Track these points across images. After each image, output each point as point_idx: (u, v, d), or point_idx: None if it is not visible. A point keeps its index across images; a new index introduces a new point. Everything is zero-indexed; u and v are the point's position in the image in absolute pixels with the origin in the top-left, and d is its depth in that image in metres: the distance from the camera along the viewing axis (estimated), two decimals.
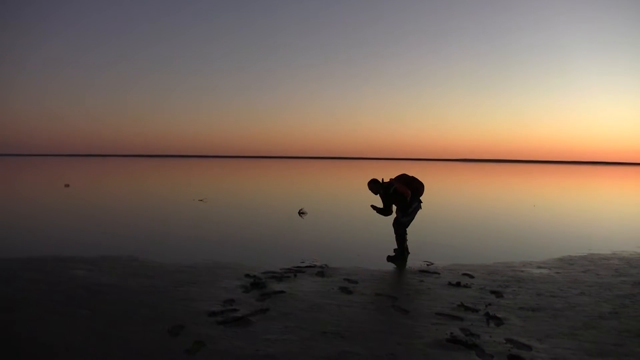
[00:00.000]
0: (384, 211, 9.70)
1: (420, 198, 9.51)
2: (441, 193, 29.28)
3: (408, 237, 9.61)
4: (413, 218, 9.50)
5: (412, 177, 9.59)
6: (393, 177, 9.60)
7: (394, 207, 9.66)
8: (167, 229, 13.71)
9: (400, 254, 9.48)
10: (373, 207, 9.82)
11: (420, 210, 9.55)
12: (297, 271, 8.57)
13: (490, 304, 6.69)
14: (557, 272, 8.75)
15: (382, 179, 9.65)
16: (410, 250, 9.69)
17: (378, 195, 9.69)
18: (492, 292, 7.34)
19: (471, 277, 8.30)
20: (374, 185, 9.63)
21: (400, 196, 9.28)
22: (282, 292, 7.20)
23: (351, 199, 24.37)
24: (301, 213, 17.01)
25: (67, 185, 30.47)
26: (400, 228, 9.45)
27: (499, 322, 5.96)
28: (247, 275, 8.16)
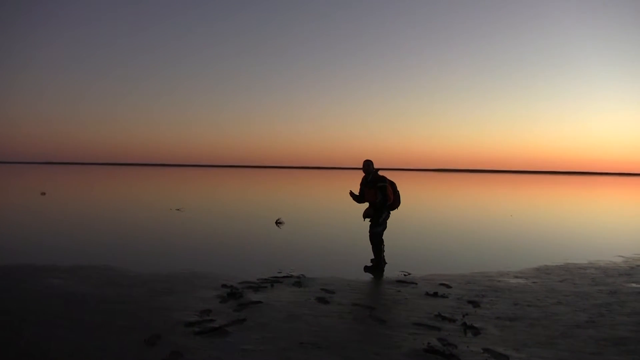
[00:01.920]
0: (359, 198, 9.81)
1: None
2: (420, 203, 29.39)
3: (385, 247, 9.60)
4: (385, 227, 9.55)
5: (398, 192, 9.71)
6: (388, 178, 9.62)
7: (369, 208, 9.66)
8: (144, 238, 13.57)
9: (378, 264, 9.45)
10: (351, 193, 9.90)
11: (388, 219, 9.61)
12: (274, 281, 8.50)
13: (467, 314, 6.68)
14: (534, 282, 8.78)
15: (379, 170, 9.68)
16: (387, 260, 9.67)
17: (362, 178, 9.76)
18: (469, 302, 7.34)
19: (448, 287, 8.30)
20: (369, 166, 9.66)
21: (381, 195, 9.29)
22: (259, 302, 7.14)
23: (331, 209, 24.35)
24: (278, 223, 16.93)
25: (43, 194, 30.10)
26: (376, 238, 9.44)
27: (476, 331, 5.95)
28: (224, 285, 8.09)
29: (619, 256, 11.57)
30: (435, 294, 7.75)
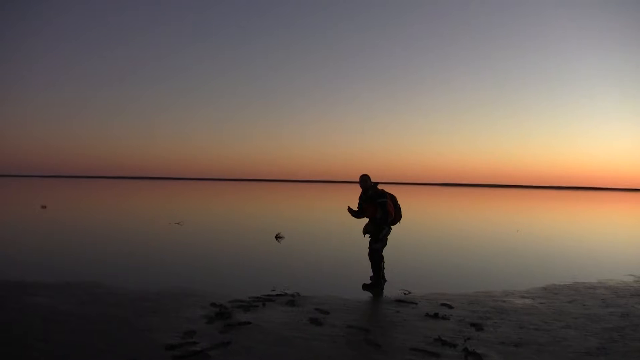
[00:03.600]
0: (358, 214, 9.44)
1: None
2: (422, 218, 28.93)
3: (385, 264, 9.19)
4: (386, 243, 9.15)
5: (399, 206, 9.34)
6: (388, 192, 9.22)
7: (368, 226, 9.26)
8: (138, 253, 13.15)
9: (377, 282, 9.04)
10: (349, 209, 9.52)
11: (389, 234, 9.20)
12: (266, 300, 8.07)
13: (469, 338, 6.23)
14: (541, 303, 8.32)
15: (377, 184, 9.28)
16: (387, 277, 9.26)
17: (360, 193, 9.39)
18: (472, 324, 6.88)
19: (450, 307, 7.85)
20: (366, 181, 9.27)
21: (382, 211, 8.87)
22: (247, 323, 6.71)
23: (333, 223, 23.92)
24: (278, 237, 16.50)
25: (43, 207, 29.76)
26: (375, 254, 9.03)
27: (478, 358, 5.50)
28: (213, 304, 7.66)
29: (630, 275, 11.09)
30: (436, 315, 7.29)
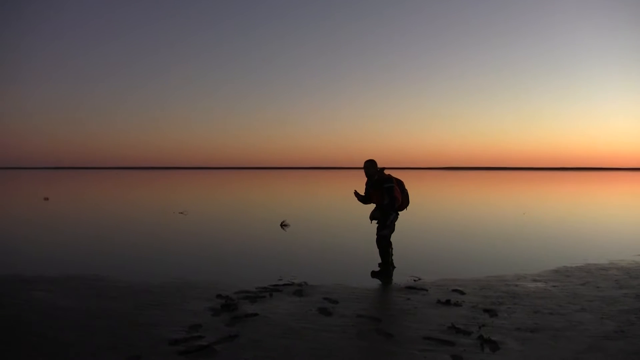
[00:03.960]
0: (365, 199, 9.16)
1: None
2: (429, 203, 28.73)
3: (394, 250, 9.00)
4: (393, 229, 8.93)
5: (406, 191, 9.10)
6: (395, 177, 8.99)
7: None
8: (141, 244, 12.97)
9: (385, 269, 8.85)
10: (356, 193, 9.27)
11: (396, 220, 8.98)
12: (273, 290, 7.89)
13: (483, 325, 6.05)
14: (554, 286, 8.15)
15: (384, 169, 9.04)
16: (396, 264, 9.07)
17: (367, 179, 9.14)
18: (486, 310, 6.71)
19: (462, 293, 7.67)
20: (371, 167, 8.99)
21: (389, 197, 8.66)
22: (254, 314, 6.54)
23: (339, 210, 23.74)
24: (283, 225, 16.34)
25: (46, 199, 29.67)
26: (383, 241, 8.84)
27: (494, 346, 5.33)
28: (219, 296, 7.49)
29: None
30: (448, 302, 7.11)
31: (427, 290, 7.88)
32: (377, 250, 8.95)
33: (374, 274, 8.85)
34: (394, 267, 9.02)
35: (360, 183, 9.99)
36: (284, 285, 8.26)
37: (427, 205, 25.54)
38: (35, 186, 52.31)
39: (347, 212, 21.20)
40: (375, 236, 8.94)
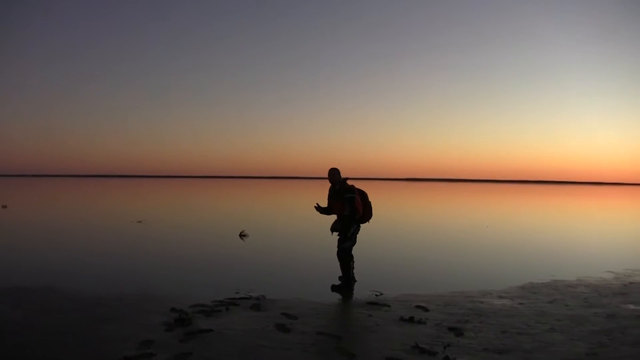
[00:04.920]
0: (327, 210, 8.84)
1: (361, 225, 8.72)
2: (393, 215, 28.47)
3: (355, 263, 8.63)
4: (354, 242, 8.57)
5: (370, 203, 8.75)
6: (358, 188, 8.66)
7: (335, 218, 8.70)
8: (97, 254, 12.32)
9: (347, 282, 8.46)
10: (317, 206, 8.88)
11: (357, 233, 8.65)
12: (229, 304, 7.43)
13: (449, 345, 5.67)
14: (521, 303, 7.84)
15: (347, 179, 8.71)
16: (357, 278, 8.70)
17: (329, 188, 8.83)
18: (451, 328, 6.34)
19: (426, 310, 7.30)
20: (335, 175, 8.73)
21: (349, 207, 8.33)
22: (209, 330, 6.09)
23: (301, 219, 23.30)
24: (242, 235, 15.85)
25: (4, 207, 28.67)
26: (344, 254, 8.46)
27: None
28: (173, 310, 7.01)
29: (609, 272, 10.69)
30: (412, 319, 6.73)
31: (389, 306, 7.50)
32: (338, 263, 8.57)
33: (334, 288, 8.46)
34: (355, 281, 8.65)
35: (323, 193, 9.63)
36: (240, 298, 7.80)
37: (390, 217, 25.23)
38: None
39: (309, 222, 20.76)
40: (336, 249, 8.56)
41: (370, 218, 8.78)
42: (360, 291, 8.41)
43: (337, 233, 8.64)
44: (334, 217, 8.79)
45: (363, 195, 8.69)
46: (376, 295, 8.26)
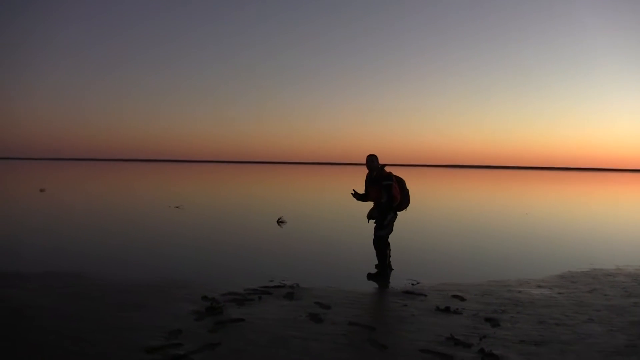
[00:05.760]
0: (364, 197, 8.78)
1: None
2: (430, 202, 28.27)
3: (392, 252, 8.59)
4: (391, 230, 8.53)
5: (407, 190, 8.68)
6: (396, 175, 8.59)
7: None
8: (132, 240, 12.53)
9: (382, 271, 8.44)
10: (354, 193, 8.84)
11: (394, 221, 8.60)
12: (262, 292, 7.46)
13: (485, 337, 5.62)
14: (560, 293, 7.72)
15: (385, 166, 8.66)
16: (393, 266, 8.67)
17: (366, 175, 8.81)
18: (487, 319, 6.28)
19: (462, 299, 7.25)
20: (373, 162, 8.67)
21: (387, 194, 8.27)
22: (240, 320, 6.12)
23: (339, 206, 23.27)
24: (280, 222, 15.91)
25: (42, 190, 29.26)
26: (380, 242, 8.42)
27: None
28: (205, 298, 7.07)
29: None
30: (447, 309, 6.69)
31: (425, 295, 7.46)
32: (374, 251, 8.54)
33: (370, 276, 8.45)
34: (392, 270, 8.63)
35: (359, 179, 9.57)
36: (274, 287, 7.84)
37: (428, 205, 25.08)
38: (32, 177, 51.87)
39: (346, 209, 20.74)
40: (373, 236, 8.54)
41: (407, 206, 8.72)
42: (397, 280, 8.38)
43: (373, 220, 8.60)
44: (370, 204, 8.74)
45: (401, 182, 8.62)
46: (412, 284, 8.22)
